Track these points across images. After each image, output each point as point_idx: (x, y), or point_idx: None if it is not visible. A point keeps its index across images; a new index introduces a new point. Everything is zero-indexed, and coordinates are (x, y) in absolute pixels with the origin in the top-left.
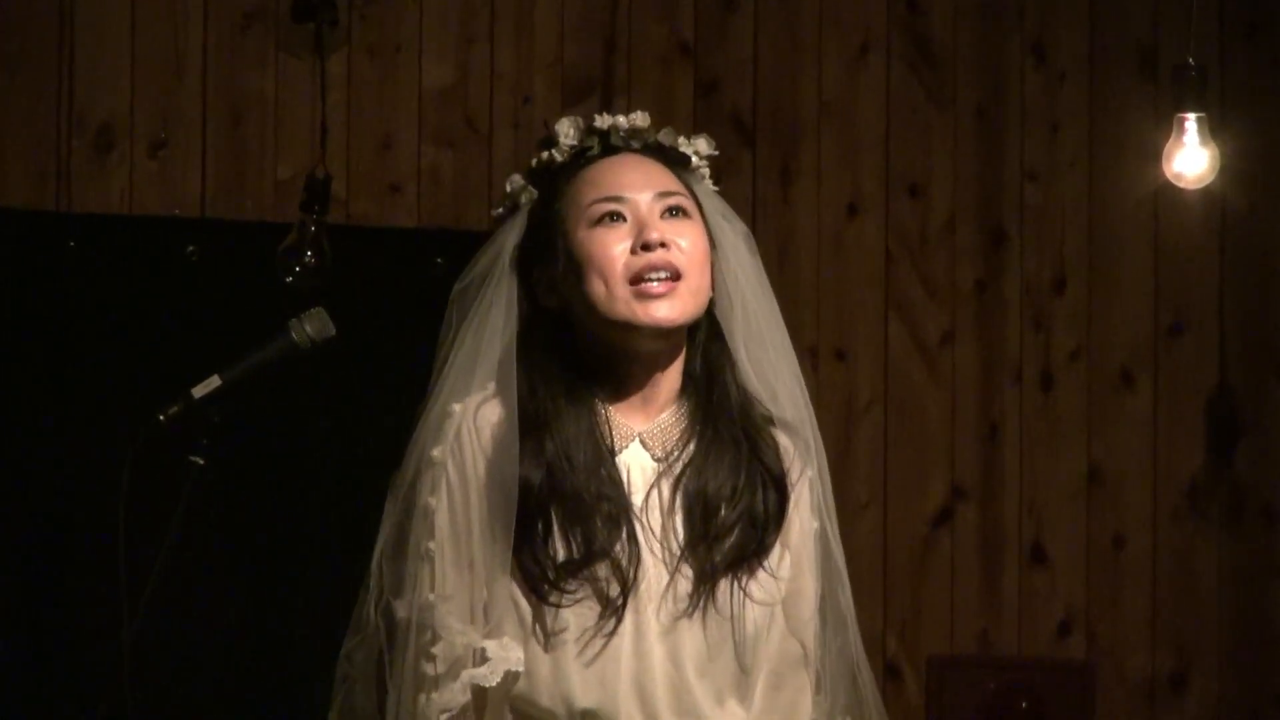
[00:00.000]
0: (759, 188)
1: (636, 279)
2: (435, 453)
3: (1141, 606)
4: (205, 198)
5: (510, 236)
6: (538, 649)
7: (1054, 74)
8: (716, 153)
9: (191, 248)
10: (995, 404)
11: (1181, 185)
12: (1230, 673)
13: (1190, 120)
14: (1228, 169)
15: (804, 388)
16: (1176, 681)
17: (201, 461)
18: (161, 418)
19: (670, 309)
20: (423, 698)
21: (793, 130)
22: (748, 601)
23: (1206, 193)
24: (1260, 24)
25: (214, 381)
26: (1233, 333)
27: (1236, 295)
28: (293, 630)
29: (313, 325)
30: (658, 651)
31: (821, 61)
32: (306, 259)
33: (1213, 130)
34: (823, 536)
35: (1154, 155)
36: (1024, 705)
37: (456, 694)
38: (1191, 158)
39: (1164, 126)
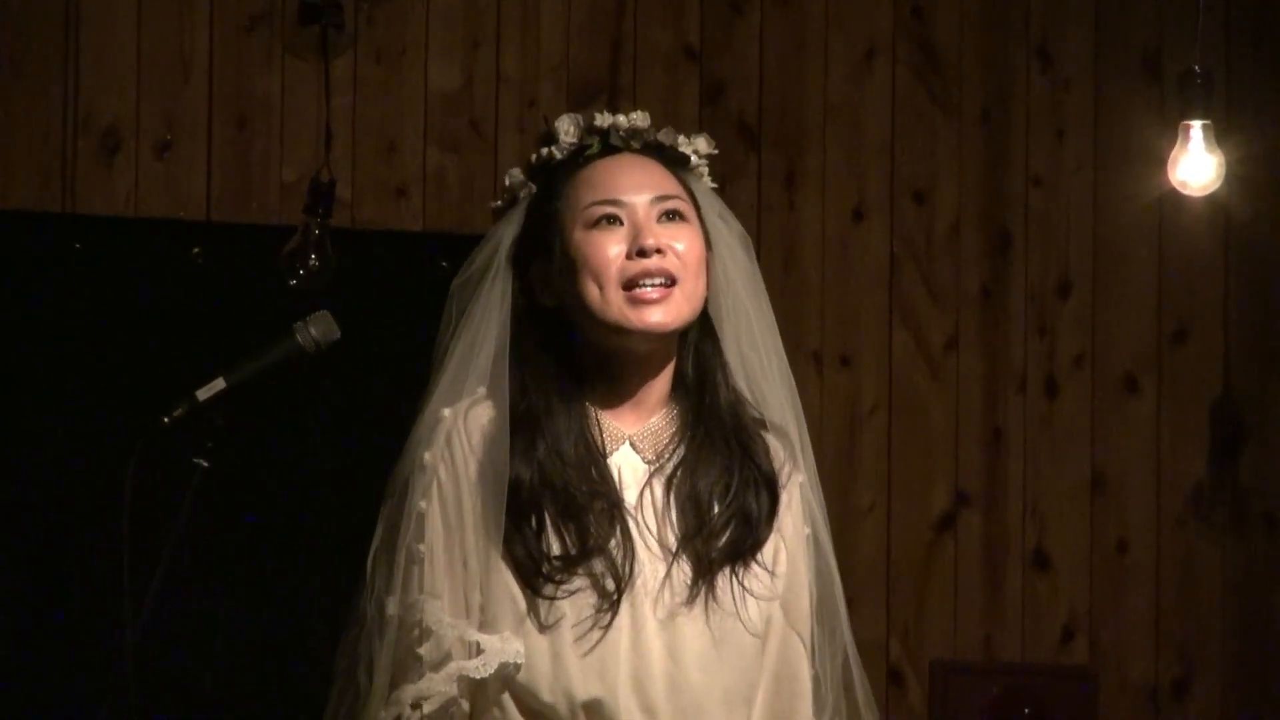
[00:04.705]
0: (764, 192)
1: (631, 284)
2: (426, 457)
3: (1145, 612)
4: (210, 200)
5: (509, 231)
6: (535, 639)
7: (1059, 80)
8: (716, 152)
9: (196, 250)
10: (999, 409)
11: (1186, 192)
12: (1233, 678)
13: (1195, 127)
14: (1232, 176)
15: (794, 391)
16: (1179, 687)
17: (205, 464)
18: (166, 420)
19: (664, 314)
20: (405, 689)
21: (798, 135)
22: (747, 596)
23: (1211, 199)
24: (1266, 30)
25: (218, 384)
26: (1237, 339)
27: (1241, 302)
28: (295, 631)
29: (317, 328)
30: (655, 646)
31: (827, 66)
32: (311, 262)
33: (1218, 137)
34: (814, 540)
35: (1159, 161)
36: (1027, 711)
37: (438, 684)
38: (1196, 164)
39: (1169, 133)
